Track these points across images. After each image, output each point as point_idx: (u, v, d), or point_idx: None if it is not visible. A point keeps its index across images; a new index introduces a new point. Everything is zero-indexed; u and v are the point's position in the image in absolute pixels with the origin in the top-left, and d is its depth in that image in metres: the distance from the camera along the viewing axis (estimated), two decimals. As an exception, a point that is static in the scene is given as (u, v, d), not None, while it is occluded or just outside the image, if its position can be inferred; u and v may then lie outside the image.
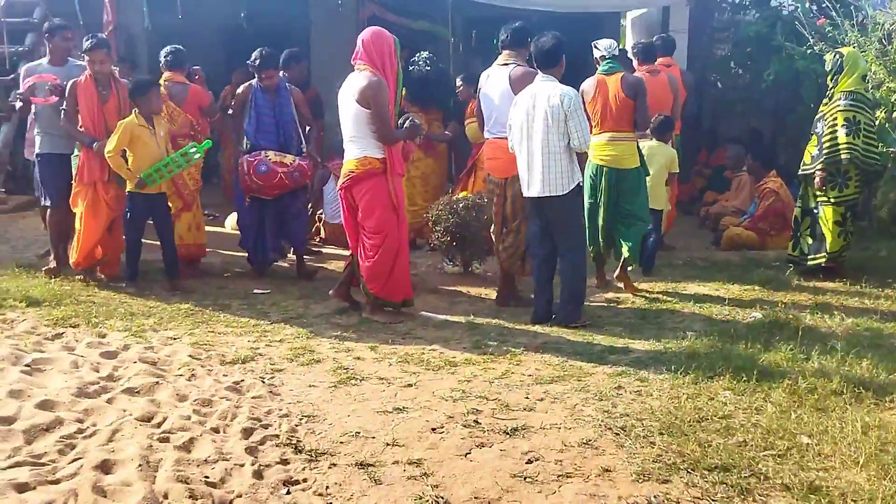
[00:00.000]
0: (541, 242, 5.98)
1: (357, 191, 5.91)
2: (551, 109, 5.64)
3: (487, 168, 6.50)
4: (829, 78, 6.99)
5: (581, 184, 5.91)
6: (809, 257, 7.10)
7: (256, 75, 7.08)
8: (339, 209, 8.50)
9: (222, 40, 11.24)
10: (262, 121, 7.04)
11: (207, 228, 7.71)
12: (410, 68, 8.45)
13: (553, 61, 5.80)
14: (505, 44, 6.28)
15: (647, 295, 6.69)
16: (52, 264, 7.05)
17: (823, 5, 7.75)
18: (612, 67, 6.71)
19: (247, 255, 7.38)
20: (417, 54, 8.51)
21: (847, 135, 6.75)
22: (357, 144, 5.89)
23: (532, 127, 5.75)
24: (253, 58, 7.05)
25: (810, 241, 7.10)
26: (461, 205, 7.16)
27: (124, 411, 4.01)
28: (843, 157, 6.75)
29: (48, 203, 7.17)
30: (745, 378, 4.63)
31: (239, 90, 7.32)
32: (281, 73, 7.29)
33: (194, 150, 6.69)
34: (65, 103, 6.75)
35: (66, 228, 7.03)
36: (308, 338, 5.57)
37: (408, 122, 6.07)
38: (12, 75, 9.78)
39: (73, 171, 6.89)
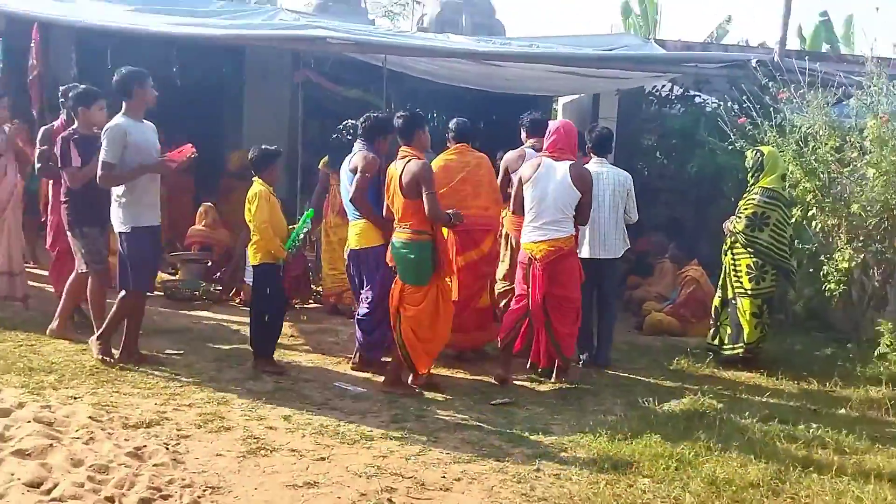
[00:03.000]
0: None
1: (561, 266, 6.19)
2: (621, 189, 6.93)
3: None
4: (749, 175, 7.21)
5: None
6: (728, 347, 7.20)
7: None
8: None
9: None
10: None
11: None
12: (334, 136, 8.39)
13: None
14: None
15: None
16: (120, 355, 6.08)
17: (744, 105, 8.04)
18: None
19: None
20: (344, 123, 8.49)
21: (747, 227, 6.97)
22: (561, 225, 6.21)
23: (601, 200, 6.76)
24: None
25: (729, 330, 7.21)
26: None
27: (12, 475, 3.71)
28: (734, 231, 7.02)
29: (137, 287, 6.10)
30: (664, 466, 4.61)
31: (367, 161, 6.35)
32: None
33: (307, 217, 6.51)
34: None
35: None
36: (219, 403, 5.33)
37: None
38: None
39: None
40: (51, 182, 6.96)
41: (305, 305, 8.55)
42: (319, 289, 8.63)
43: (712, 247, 8.47)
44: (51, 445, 4.13)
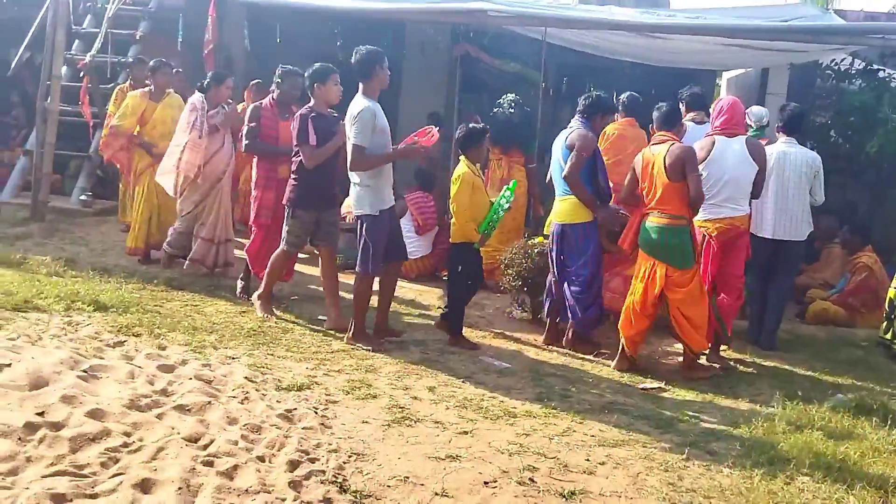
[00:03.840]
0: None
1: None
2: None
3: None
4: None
5: None
6: (903, 342, 6.68)
7: None
8: (420, 245, 8.44)
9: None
10: None
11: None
12: (495, 110, 8.37)
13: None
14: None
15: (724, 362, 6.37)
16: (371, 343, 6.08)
17: (935, 79, 7.39)
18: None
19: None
20: (504, 96, 8.43)
21: None
22: (739, 202, 6.27)
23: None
24: None
25: (904, 324, 6.69)
26: (536, 250, 6.98)
27: (172, 429, 3.91)
28: None
29: (375, 271, 6.08)
30: (826, 464, 4.31)
31: None
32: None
33: (509, 192, 6.26)
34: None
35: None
36: (367, 371, 5.45)
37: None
38: (112, 84, 10.08)
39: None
40: (255, 159, 7.03)
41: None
42: None
43: (889, 233, 7.86)
44: (209, 403, 4.33)
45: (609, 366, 6.14)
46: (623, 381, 5.78)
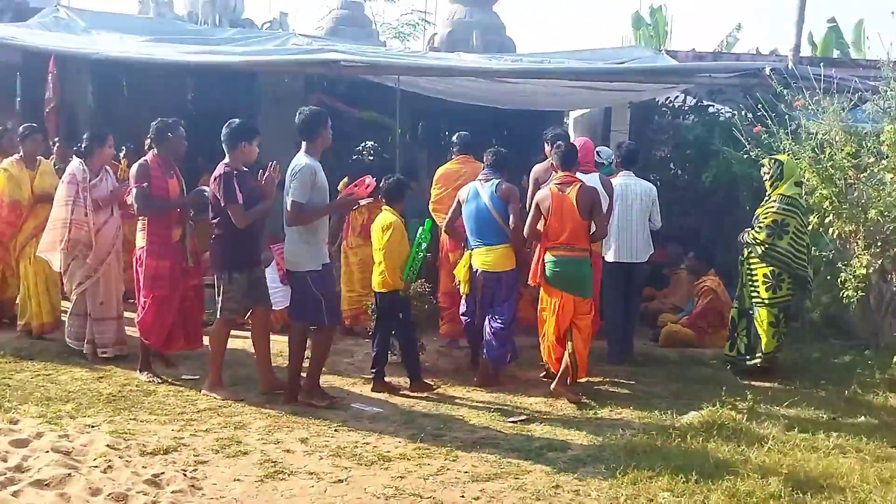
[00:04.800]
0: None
1: None
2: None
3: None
4: (768, 184, 7.18)
5: None
6: (746, 358, 7.15)
7: None
8: (284, 294, 8.33)
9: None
10: None
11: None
12: (354, 157, 8.47)
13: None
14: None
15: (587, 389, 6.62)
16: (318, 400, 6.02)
17: (759, 114, 8.02)
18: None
19: None
20: (362, 144, 8.54)
21: (768, 236, 6.94)
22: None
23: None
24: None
25: (746, 341, 7.16)
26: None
27: (30, 505, 3.74)
28: (756, 241, 7.01)
29: (332, 322, 6.12)
30: (683, 479, 4.57)
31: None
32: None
33: (425, 233, 6.43)
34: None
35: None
36: (236, 427, 5.35)
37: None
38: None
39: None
40: (141, 223, 6.51)
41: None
42: None
43: (728, 256, 8.43)
44: (69, 475, 4.16)
45: (477, 405, 6.26)
46: (493, 416, 5.91)
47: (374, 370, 6.54)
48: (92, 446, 4.70)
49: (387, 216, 6.51)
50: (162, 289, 6.45)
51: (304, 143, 6.07)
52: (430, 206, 7.98)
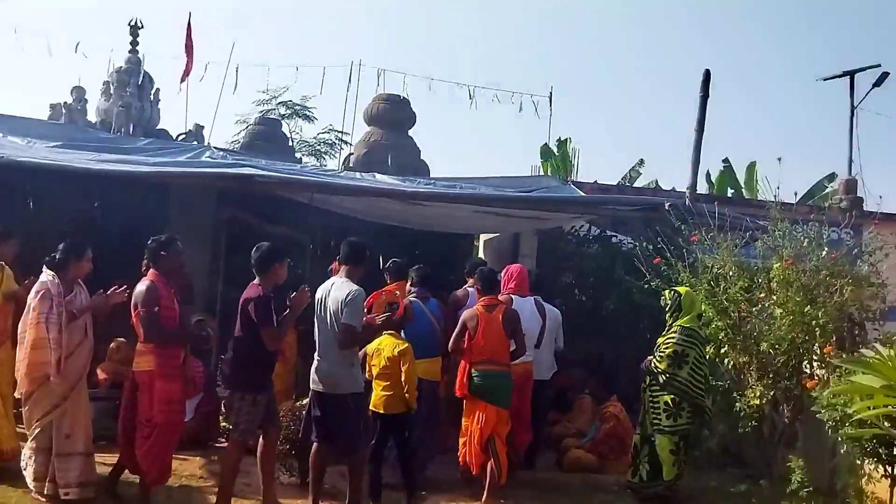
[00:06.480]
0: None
1: None
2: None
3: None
4: (667, 314, 7.44)
5: None
6: (647, 484, 7.21)
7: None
8: (187, 409, 8.06)
9: (74, 231, 10.76)
10: None
11: None
12: None
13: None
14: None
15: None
16: None
17: (659, 246, 8.40)
18: None
19: None
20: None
21: (668, 365, 7.14)
22: None
23: None
24: None
25: (648, 468, 7.24)
26: (305, 411, 6.92)
27: None
28: (658, 371, 7.22)
29: (367, 443, 6.43)
30: None
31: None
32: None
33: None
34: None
35: None
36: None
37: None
38: None
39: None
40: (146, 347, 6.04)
41: (216, 444, 8.22)
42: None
43: (630, 383, 8.60)
44: None
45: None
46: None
47: (375, 498, 6.49)
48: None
49: (394, 343, 6.58)
50: (176, 413, 6.10)
51: (345, 268, 6.39)
52: None
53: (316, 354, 6.29)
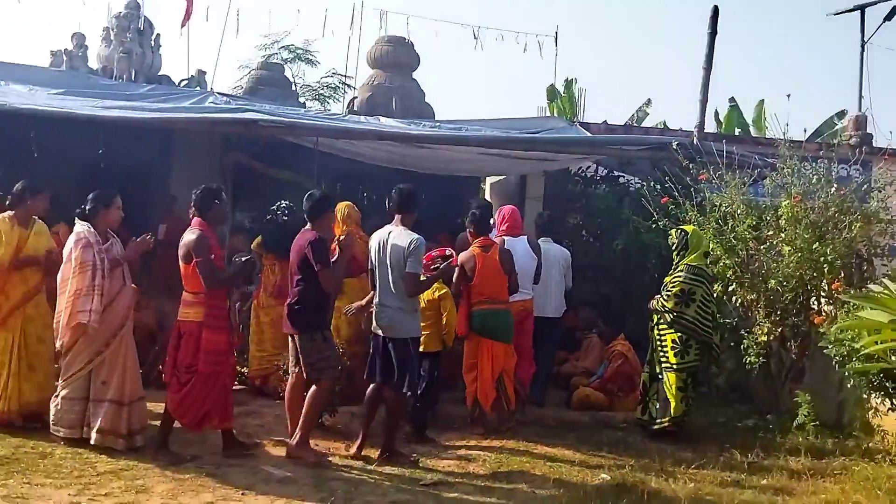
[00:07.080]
0: None
1: None
2: None
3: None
4: (674, 252, 7.44)
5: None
6: (655, 420, 7.29)
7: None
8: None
9: (78, 178, 10.78)
10: None
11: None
12: (268, 217, 8.40)
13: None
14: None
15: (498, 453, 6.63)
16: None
17: (667, 185, 8.35)
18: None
19: None
20: (277, 203, 8.49)
21: (676, 304, 7.17)
22: None
23: None
24: None
25: (658, 405, 7.31)
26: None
27: None
28: (665, 309, 7.23)
29: (412, 388, 6.47)
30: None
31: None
32: None
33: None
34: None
35: None
36: (138, 491, 5.15)
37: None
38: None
39: None
40: (201, 295, 6.00)
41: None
42: (244, 370, 8.37)
43: (638, 322, 8.64)
44: (-45, 541, 3.90)
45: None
46: (406, 477, 5.84)
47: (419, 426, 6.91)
48: (-19, 512, 4.42)
49: (437, 289, 7.10)
50: (219, 364, 6.05)
51: (399, 216, 6.38)
52: None
53: (376, 300, 6.37)
